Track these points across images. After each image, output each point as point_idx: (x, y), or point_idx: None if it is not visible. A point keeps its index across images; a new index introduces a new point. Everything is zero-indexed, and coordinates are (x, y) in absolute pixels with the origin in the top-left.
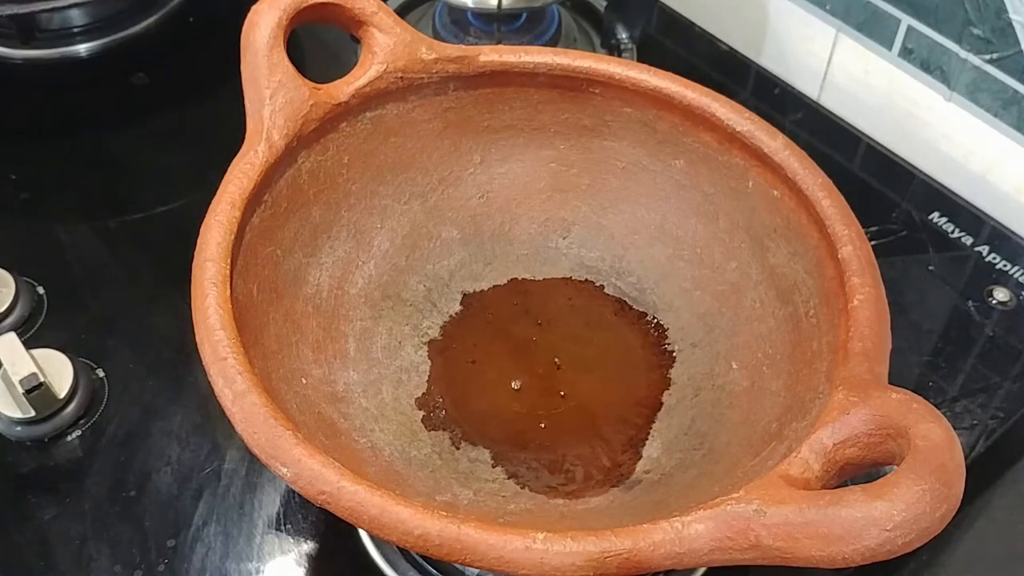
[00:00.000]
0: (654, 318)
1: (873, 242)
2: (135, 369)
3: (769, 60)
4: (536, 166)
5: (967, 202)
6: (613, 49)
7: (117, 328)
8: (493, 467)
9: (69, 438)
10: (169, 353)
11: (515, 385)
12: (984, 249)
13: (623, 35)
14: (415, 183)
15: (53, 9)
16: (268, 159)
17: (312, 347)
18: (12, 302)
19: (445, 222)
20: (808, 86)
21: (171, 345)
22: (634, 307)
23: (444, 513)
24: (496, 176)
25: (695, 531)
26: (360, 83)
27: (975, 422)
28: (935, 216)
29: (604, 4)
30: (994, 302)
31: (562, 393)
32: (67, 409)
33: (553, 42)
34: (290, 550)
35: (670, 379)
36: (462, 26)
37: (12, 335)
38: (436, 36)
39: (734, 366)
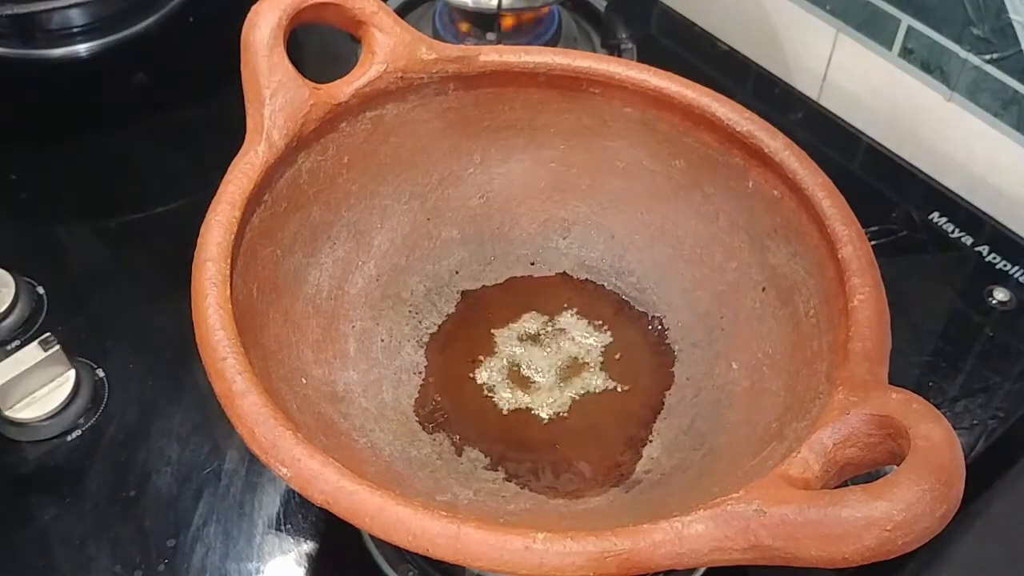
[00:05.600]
0: (654, 318)
1: (873, 242)
2: (135, 369)
3: (769, 60)
4: (536, 166)
5: (967, 202)
6: (613, 49)
7: (117, 328)
8: (493, 467)
9: (69, 438)
10: (169, 353)
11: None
12: (984, 249)
13: (623, 35)
14: (415, 183)
15: (53, 9)
16: (268, 159)
17: (312, 347)
18: (12, 302)
19: (445, 222)
20: (808, 86)
21: (171, 345)
22: (634, 307)
23: (444, 513)
24: (496, 176)
25: (695, 531)
26: (360, 83)
27: (975, 422)
28: (935, 216)
29: (604, 4)
30: (994, 302)
31: None
32: (67, 409)
33: (553, 42)
34: (290, 550)
35: (670, 379)
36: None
37: None
38: (436, 36)
39: (734, 366)
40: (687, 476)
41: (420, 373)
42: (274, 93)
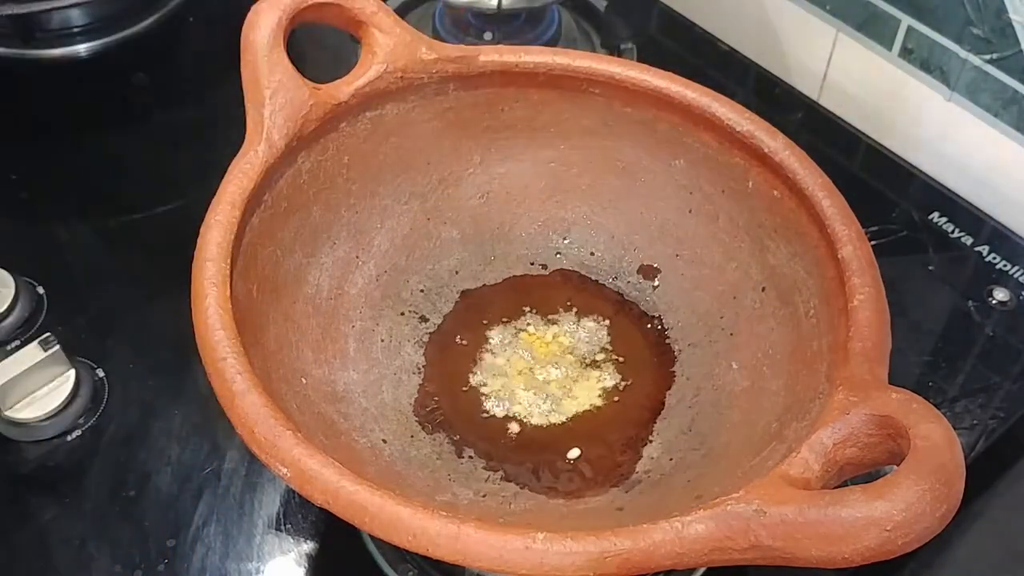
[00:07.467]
0: (654, 318)
1: (873, 242)
2: (135, 369)
3: (769, 60)
4: (536, 166)
5: (967, 202)
6: (613, 49)
7: (117, 328)
8: (493, 468)
9: (69, 438)
10: (169, 353)
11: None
12: (984, 249)
13: (623, 35)
14: (415, 183)
15: (53, 9)
16: (268, 159)
17: (312, 347)
18: (12, 302)
19: (445, 222)
20: (808, 86)
21: (171, 345)
22: (634, 307)
23: (444, 513)
24: (496, 176)
25: (695, 531)
26: (360, 83)
27: (975, 422)
28: (935, 216)
29: (604, 4)
30: (994, 302)
31: None
32: (67, 409)
33: (553, 42)
34: (290, 550)
35: (670, 379)
36: (462, 26)
37: None
38: (436, 36)
39: (734, 366)
40: (687, 476)
41: (420, 373)
42: (274, 93)
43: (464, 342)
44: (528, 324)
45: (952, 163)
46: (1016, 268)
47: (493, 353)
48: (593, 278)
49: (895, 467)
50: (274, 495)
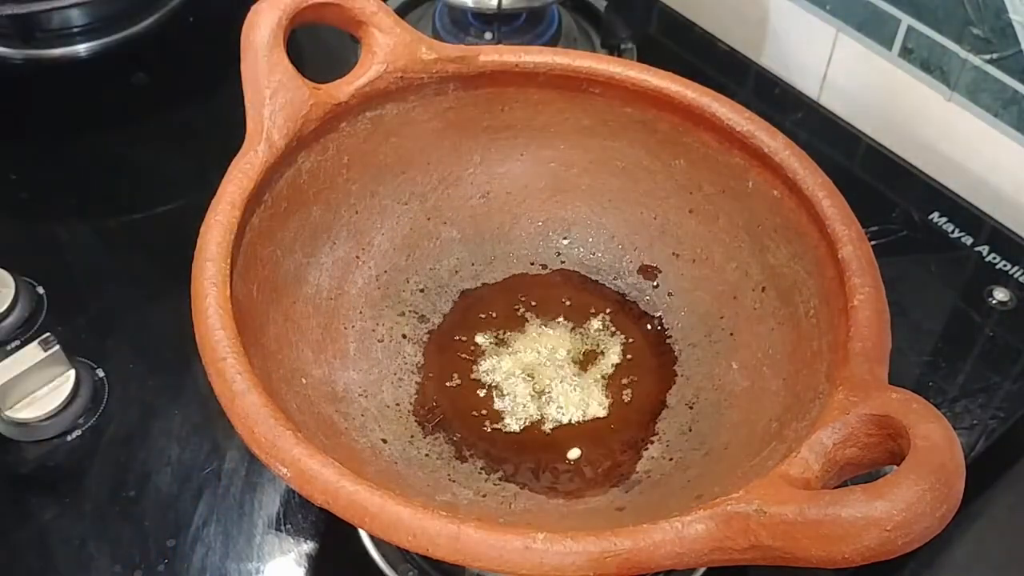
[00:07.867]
0: (654, 318)
1: (873, 242)
2: (135, 369)
3: (769, 60)
4: (536, 166)
5: (967, 202)
6: (613, 49)
7: (117, 328)
8: (492, 468)
9: (69, 438)
10: (169, 353)
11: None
12: (984, 249)
13: (623, 35)
14: (415, 183)
15: (53, 9)
16: (268, 159)
17: (312, 347)
18: (12, 302)
19: (445, 222)
20: (808, 86)
21: (171, 345)
22: (634, 307)
23: (444, 513)
24: (496, 176)
25: (695, 531)
26: (360, 83)
27: (975, 422)
28: (935, 216)
29: (604, 4)
30: (994, 302)
31: None
32: (67, 409)
33: (553, 42)
34: (290, 550)
35: (670, 379)
36: (462, 26)
37: None
38: (436, 36)
39: (734, 366)
40: (687, 476)
41: (419, 373)
42: (274, 93)
43: (464, 342)
44: (528, 324)
45: (952, 163)
46: (1016, 268)
47: (493, 353)
48: (593, 278)
49: (895, 467)
50: (274, 495)
